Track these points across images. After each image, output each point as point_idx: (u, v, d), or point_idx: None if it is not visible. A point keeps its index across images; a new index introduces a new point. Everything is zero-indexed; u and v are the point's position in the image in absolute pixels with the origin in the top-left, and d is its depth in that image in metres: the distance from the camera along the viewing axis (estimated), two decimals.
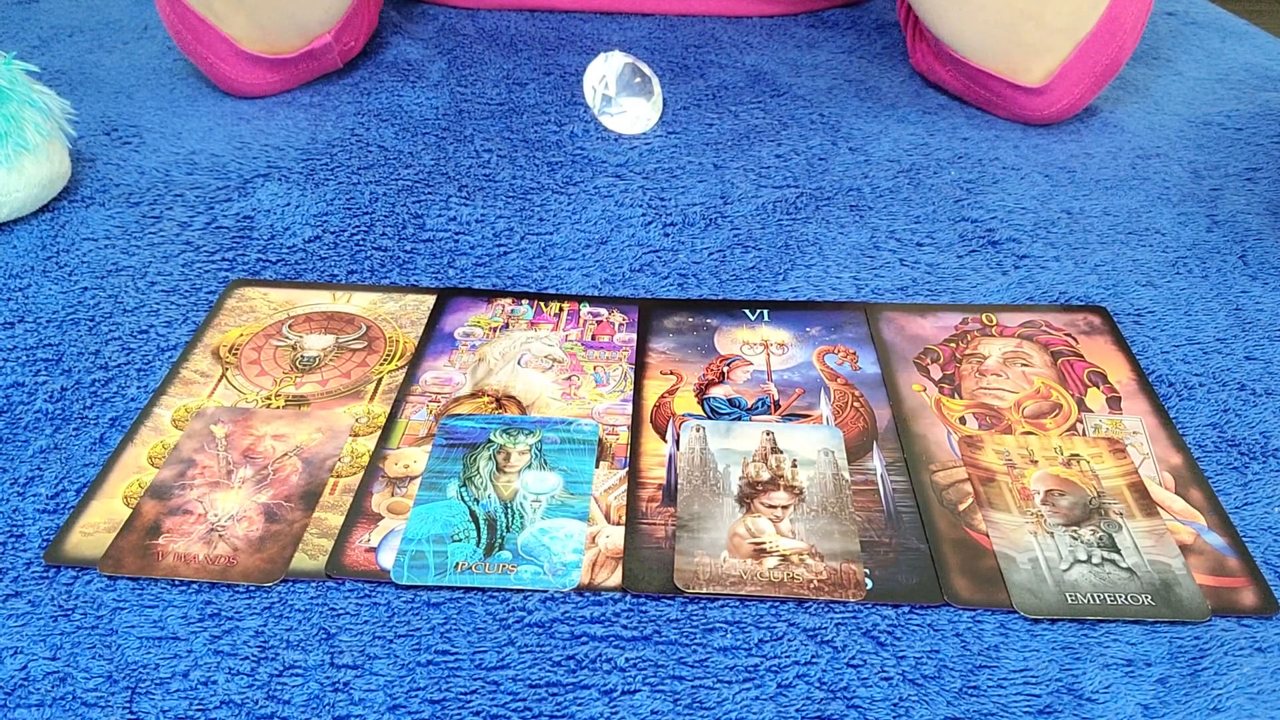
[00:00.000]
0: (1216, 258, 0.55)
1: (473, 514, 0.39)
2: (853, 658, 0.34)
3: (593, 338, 0.48)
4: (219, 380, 0.45)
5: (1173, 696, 0.33)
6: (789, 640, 0.35)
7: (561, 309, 0.50)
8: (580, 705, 0.33)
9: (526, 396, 0.45)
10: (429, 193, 0.60)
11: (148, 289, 0.51)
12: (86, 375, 0.46)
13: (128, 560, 0.37)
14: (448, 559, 0.37)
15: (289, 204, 0.58)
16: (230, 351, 0.47)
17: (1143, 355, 0.48)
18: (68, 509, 0.39)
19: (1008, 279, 0.53)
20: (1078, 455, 0.42)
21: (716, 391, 0.45)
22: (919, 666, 0.34)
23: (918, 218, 0.58)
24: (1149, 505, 0.39)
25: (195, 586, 0.36)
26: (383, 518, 0.39)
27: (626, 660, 0.34)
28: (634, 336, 0.48)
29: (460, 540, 0.38)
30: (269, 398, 0.44)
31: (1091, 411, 0.44)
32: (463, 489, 0.40)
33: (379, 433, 0.43)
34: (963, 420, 0.44)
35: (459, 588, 0.36)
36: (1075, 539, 0.38)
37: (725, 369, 0.46)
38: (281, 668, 0.34)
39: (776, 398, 0.45)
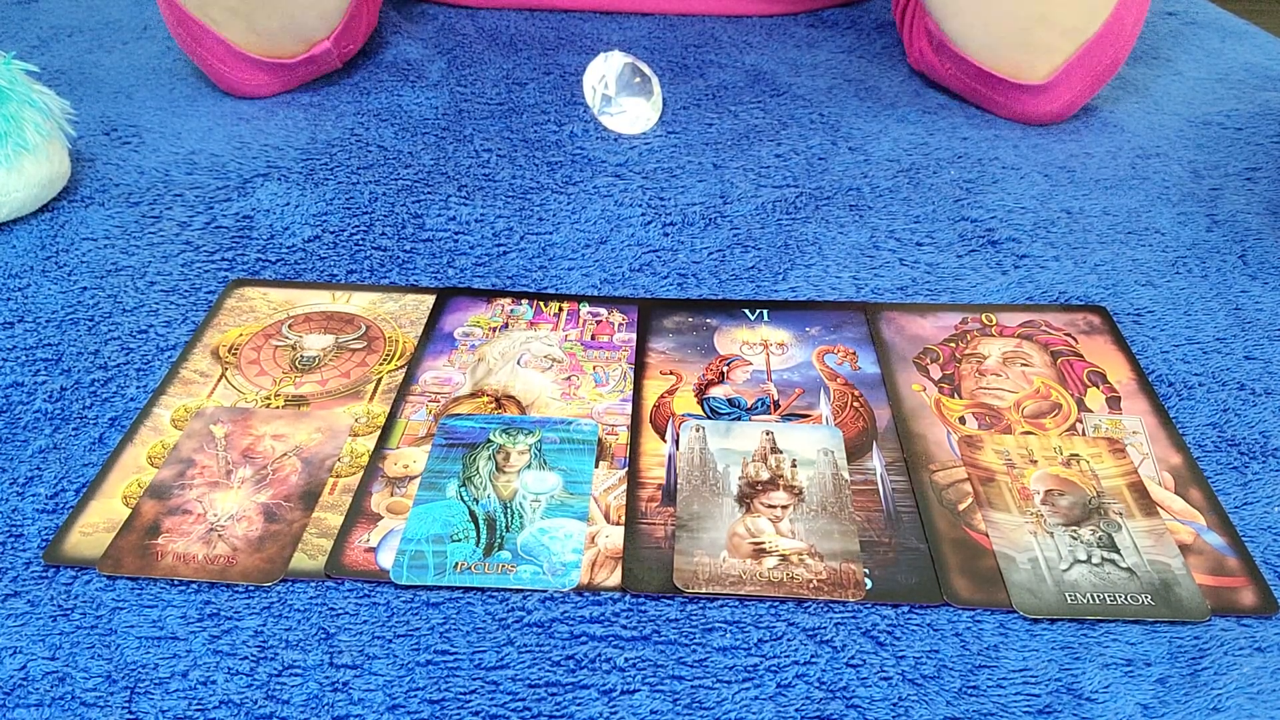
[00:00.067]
0: (1216, 257, 0.55)
1: (472, 514, 0.39)
2: (852, 657, 0.34)
3: (592, 337, 0.48)
4: (218, 380, 0.45)
5: (1172, 696, 0.33)
6: (788, 640, 0.35)
7: (561, 309, 0.50)
8: (580, 705, 0.33)
9: (526, 396, 0.45)
10: (428, 192, 0.60)
11: (147, 289, 0.51)
12: (86, 375, 0.46)
13: (127, 560, 0.37)
14: (447, 559, 0.37)
15: (288, 204, 0.58)
16: (230, 351, 0.47)
17: (1142, 355, 0.48)
18: (67, 509, 0.39)
19: (1007, 279, 0.53)
20: (1077, 455, 0.42)
21: (716, 391, 0.45)
22: (918, 666, 0.34)
23: (917, 217, 0.58)
24: (1149, 505, 0.39)
25: (194, 586, 0.36)
26: (382, 518, 0.39)
27: (626, 660, 0.34)
28: (633, 336, 0.48)
29: (460, 540, 0.38)
30: (268, 398, 0.44)
31: (1091, 411, 0.44)
32: (462, 489, 0.40)
33: (378, 433, 0.43)
34: (962, 420, 0.44)
35: (458, 587, 0.36)
36: (1075, 539, 0.38)
37: (725, 369, 0.46)
38: (281, 667, 0.34)
39: (776, 398, 0.45)
